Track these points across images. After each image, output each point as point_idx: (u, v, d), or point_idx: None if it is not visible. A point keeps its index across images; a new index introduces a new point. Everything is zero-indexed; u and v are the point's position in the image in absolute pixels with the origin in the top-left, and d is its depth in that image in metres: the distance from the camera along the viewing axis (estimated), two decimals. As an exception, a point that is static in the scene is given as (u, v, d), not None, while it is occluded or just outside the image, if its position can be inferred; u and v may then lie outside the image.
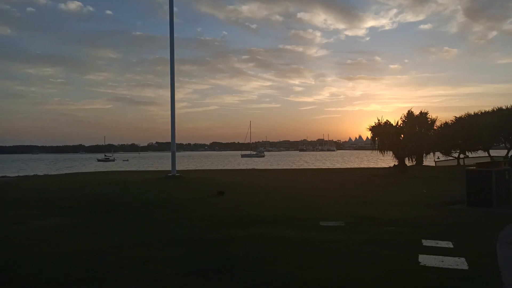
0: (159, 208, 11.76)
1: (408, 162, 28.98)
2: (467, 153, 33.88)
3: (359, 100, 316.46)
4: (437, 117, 30.06)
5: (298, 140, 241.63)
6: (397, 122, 29.19)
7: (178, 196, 14.43)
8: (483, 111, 31.86)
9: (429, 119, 30.05)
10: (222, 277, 5.32)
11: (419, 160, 29.10)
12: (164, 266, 5.87)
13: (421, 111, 30.04)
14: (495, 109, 32.56)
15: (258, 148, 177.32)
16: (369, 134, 29.41)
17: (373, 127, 27.10)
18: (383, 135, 26.19)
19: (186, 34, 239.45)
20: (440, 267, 5.73)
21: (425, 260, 6.10)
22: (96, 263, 6.07)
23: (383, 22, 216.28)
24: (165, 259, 6.27)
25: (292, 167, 51.69)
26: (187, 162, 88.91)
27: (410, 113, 30.17)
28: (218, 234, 8.03)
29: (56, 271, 5.70)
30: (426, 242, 7.25)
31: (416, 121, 29.49)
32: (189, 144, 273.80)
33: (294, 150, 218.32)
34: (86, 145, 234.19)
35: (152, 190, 16.08)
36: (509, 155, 32.48)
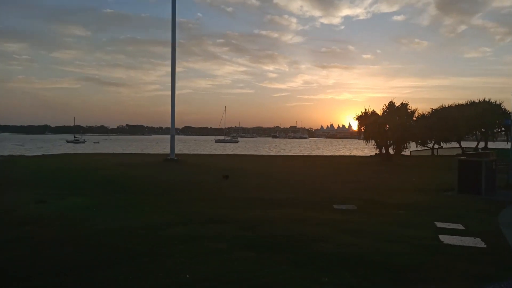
0: (175, 190, 12.10)
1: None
2: (441, 144, 35.61)
3: (331, 88, 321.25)
4: (416, 108, 31.50)
5: (271, 126, 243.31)
6: (382, 112, 30.41)
7: (186, 178, 14.78)
8: (457, 104, 33.50)
9: (409, 110, 31.46)
10: (276, 254, 5.77)
11: (399, 150, 30.49)
12: (214, 242, 6.28)
13: (402, 102, 31.37)
14: (468, 102, 34.31)
15: (231, 133, 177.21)
16: (352, 123, 30.48)
17: (360, 116, 28.10)
18: (369, 125, 27.24)
19: (159, 14, 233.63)
20: (462, 245, 6.48)
21: (446, 239, 6.85)
22: (147, 240, 6.42)
23: (358, 11, 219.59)
24: (212, 237, 6.69)
25: (275, 154, 52.32)
26: (162, 146, 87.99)
27: (391, 104, 31.44)
28: (247, 215, 8.51)
29: (115, 248, 6.01)
30: (439, 224, 8.03)
31: (398, 112, 30.81)
32: (161, 127, 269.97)
33: (267, 136, 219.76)
34: (52, 125, 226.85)
35: (158, 172, 16.32)
36: (479, 146, 34.38)
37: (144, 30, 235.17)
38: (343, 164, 24.19)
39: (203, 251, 5.78)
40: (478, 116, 29.71)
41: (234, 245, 6.13)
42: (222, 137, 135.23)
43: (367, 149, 33.70)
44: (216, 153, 47.77)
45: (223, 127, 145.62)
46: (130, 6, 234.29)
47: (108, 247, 5.93)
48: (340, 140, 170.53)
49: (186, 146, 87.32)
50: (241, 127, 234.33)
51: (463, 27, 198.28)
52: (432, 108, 35.25)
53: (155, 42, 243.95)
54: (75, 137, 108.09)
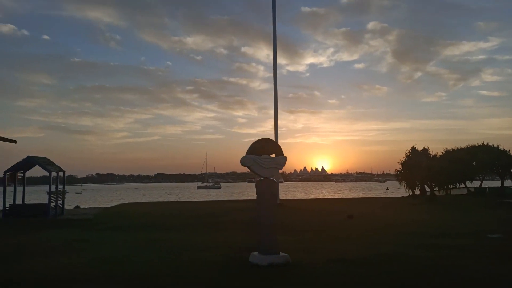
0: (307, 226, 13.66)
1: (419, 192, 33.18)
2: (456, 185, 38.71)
3: (300, 132, 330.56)
4: (437, 153, 34.89)
5: (245, 171, 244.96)
6: (406, 157, 33.57)
7: (313, 220, 16.35)
8: (470, 145, 36.93)
9: (431, 154, 34.83)
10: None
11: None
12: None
13: (423, 148, 34.80)
14: (469, 145, 38.00)
15: (208, 179, 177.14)
16: (394, 167, 33.08)
17: (404, 161, 31.05)
18: (413, 168, 30.12)
19: (128, 62, 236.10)
20: None
21: None
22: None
23: (322, 59, 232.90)
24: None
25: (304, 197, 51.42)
26: (150, 194, 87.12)
27: (413, 149, 34.77)
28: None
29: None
30: None
31: (420, 156, 34.09)
32: (132, 175, 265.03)
33: (242, 181, 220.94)
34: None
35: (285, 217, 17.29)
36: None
37: (111, 78, 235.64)
38: (395, 205, 25.87)
39: None
40: (493, 159, 33.32)
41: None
42: (203, 184, 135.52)
43: (376, 190, 35.75)
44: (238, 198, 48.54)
45: (205, 172, 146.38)
46: (97, 55, 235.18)
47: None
48: (317, 183, 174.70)
49: (173, 194, 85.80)
50: (216, 172, 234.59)
51: (419, 74, 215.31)
52: (445, 149, 38.36)
53: (123, 89, 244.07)
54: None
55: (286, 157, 8.20)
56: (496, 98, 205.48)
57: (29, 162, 20.14)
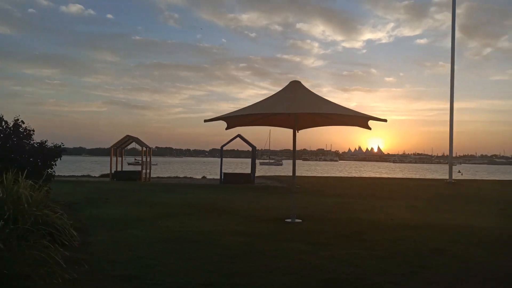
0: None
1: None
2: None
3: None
4: None
5: (298, 149, 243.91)
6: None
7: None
8: None
9: None
10: None
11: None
12: None
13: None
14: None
15: (262, 156, 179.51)
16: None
17: None
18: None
19: (185, 40, 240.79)
20: None
21: None
22: None
23: (380, 35, 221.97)
24: None
25: (352, 175, 52.03)
26: (230, 166, 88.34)
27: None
28: None
29: None
30: None
31: None
32: (189, 149, 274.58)
33: (297, 159, 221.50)
34: (87, 147, 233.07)
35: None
36: None
37: (169, 55, 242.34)
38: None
39: None
40: None
41: None
42: (267, 160, 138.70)
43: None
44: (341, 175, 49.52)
45: (267, 149, 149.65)
46: (157, 33, 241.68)
47: None
48: (373, 163, 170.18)
49: (243, 167, 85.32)
50: (269, 149, 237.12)
51: (488, 50, 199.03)
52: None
53: (179, 66, 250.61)
54: (135, 159, 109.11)
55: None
56: None
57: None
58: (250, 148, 25.21)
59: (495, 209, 12.27)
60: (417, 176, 52.41)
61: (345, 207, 12.08)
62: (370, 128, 9.58)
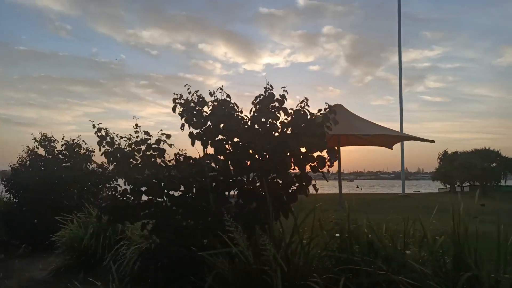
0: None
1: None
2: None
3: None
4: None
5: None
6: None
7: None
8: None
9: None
10: None
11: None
12: None
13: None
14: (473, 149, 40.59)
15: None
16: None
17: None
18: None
19: (79, 53, 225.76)
20: None
21: None
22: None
23: (278, 60, 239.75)
24: None
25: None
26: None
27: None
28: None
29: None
30: None
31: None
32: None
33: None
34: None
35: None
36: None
37: (60, 68, 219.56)
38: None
39: None
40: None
41: None
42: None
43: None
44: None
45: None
46: (45, 43, 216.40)
47: None
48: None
49: None
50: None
51: (369, 78, 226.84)
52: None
53: (72, 80, 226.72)
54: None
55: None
56: (438, 103, 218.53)
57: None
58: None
59: (469, 219, 14.52)
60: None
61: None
62: (391, 148, 11.17)
